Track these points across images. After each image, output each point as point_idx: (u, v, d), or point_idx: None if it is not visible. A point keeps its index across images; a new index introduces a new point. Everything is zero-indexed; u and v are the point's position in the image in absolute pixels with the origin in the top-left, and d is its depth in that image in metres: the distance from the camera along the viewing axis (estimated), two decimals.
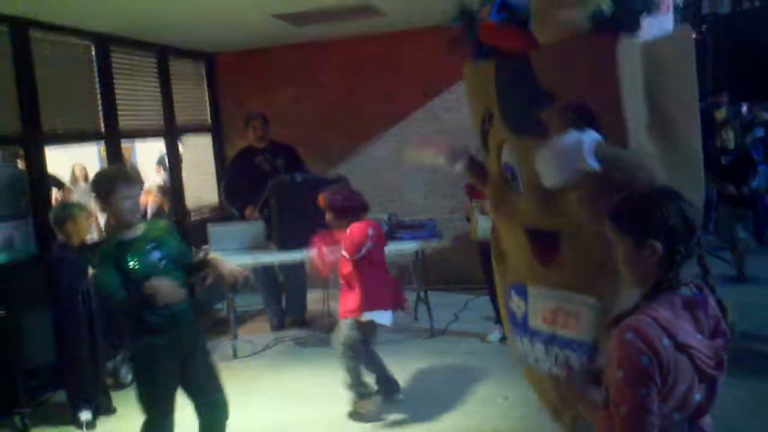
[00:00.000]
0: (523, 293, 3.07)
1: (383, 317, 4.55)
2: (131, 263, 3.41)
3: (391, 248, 6.15)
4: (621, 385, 1.92)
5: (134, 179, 3.47)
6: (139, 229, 3.52)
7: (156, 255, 3.49)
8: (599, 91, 2.60)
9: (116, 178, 3.44)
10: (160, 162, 10.12)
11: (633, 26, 2.53)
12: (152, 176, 10.41)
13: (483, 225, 5.39)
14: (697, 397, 1.96)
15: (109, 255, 3.45)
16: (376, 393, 4.67)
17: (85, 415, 4.77)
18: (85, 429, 4.73)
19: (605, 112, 2.60)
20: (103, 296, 3.45)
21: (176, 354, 3.52)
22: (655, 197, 2.05)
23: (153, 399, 3.54)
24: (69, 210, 4.93)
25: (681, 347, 1.90)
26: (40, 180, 5.91)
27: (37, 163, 5.82)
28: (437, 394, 4.82)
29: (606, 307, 2.80)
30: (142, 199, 8.44)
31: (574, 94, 2.65)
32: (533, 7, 2.68)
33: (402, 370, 5.33)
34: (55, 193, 7.22)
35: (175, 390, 3.59)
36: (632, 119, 2.60)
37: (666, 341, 1.89)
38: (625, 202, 2.08)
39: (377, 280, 4.56)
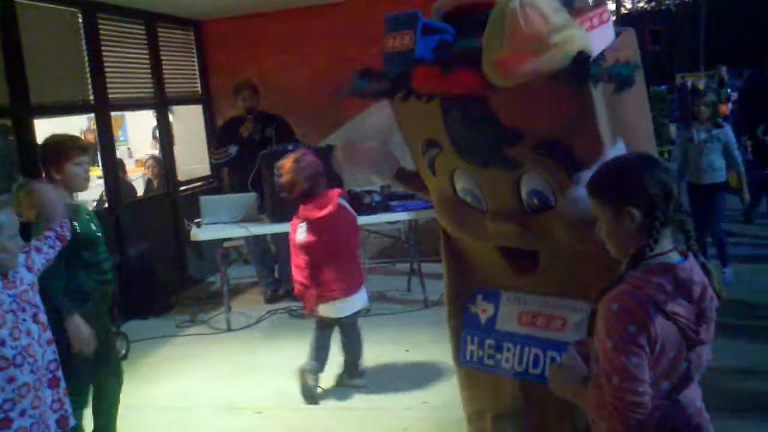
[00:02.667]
0: (493, 298, 3.15)
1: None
2: (83, 226, 3.49)
3: (384, 219, 6.15)
4: (611, 355, 1.92)
5: (87, 147, 3.61)
6: (76, 199, 3.64)
7: (94, 225, 3.60)
8: (575, 126, 2.57)
9: (70, 145, 3.53)
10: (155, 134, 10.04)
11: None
12: (146, 148, 10.34)
13: None
14: (684, 364, 1.97)
15: None
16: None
17: None
18: None
19: (583, 142, 2.57)
20: None
21: (98, 322, 3.55)
22: (633, 164, 2.06)
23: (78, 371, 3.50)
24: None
25: (666, 315, 1.91)
26: (30, 153, 5.83)
27: (26, 136, 5.74)
28: (432, 365, 4.83)
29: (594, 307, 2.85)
30: (134, 169, 8.40)
31: (546, 130, 2.61)
32: (489, 57, 2.47)
33: (396, 341, 5.34)
34: None
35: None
36: (607, 140, 2.59)
37: (652, 309, 1.90)
38: (604, 171, 2.09)
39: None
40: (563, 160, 2.63)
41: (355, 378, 4.67)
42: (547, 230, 2.79)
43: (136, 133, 10.73)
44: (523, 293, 3.08)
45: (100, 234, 3.63)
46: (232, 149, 6.56)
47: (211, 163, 7.98)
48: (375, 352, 5.09)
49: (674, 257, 2.00)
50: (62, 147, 3.52)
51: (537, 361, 3.01)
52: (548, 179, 2.72)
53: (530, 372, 3.01)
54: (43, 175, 3.57)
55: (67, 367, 3.33)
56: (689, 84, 16.49)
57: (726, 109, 11.39)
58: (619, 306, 1.93)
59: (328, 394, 4.58)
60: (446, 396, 4.23)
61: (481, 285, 3.20)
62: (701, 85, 15.74)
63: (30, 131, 5.72)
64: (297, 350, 4.89)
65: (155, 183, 8.01)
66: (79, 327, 3.34)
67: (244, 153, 6.49)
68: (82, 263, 3.48)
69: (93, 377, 3.63)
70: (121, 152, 9.43)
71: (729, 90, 13.66)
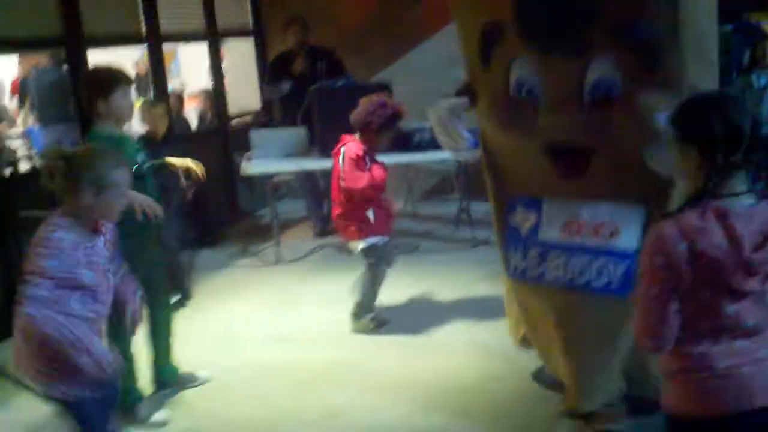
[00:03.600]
0: (534, 207, 3.09)
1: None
2: (131, 156, 3.51)
3: (433, 157, 6.09)
4: (640, 279, 2.02)
5: (130, 78, 3.62)
6: (123, 132, 3.65)
7: (141, 156, 3.63)
8: (661, 9, 2.53)
9: (114, 76, 3.53)
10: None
11: None
12: (198, 82, 10.33)
13: None
14: (730, 309, 1.95)
15: (106, 144, 3.42)
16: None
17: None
18: None
19: (661, 27, 2.53)
20: None
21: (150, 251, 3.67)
22: (704, 103, 2.04)
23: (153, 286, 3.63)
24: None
25: (698, 254, 1.90)
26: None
27: (79, 66, 5.79)
28: (480, 303, 4.83)
29: (651, 212, 2.84)
30: (187, 102, 8.42)
31: (628, 10, 2.54)
32: None
33: (445, 279, 5.34)
34: None
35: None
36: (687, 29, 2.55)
37: (682, 246, 1.91)
38: (679, 105, 2.07)
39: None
40: (640, 46, 2.58)
41: (355, 319, 4.61)
42: (606, 125, 2.73)
43: (189, 67, 10.74)
44: (568, 200, 3.01)
45: (148, 165, 3.66)
46: (285, 86, 6.52)
47: (262, 98, 7.98)
48: (423, 290, 5.11)
49: (744, 200, 1.95)
50: (106, 79, 3.52)
51: (583, 270, 2.97)
52: (619, 67, 2.66)
53: (576, 282, 2.98)
54: (90, 108, 3.54)
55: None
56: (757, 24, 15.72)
57: None
58: (655, 237, 1.97)
59: (377, 329, 4.61)
60: (494, 333, 4.23)
61: (519, 193, 3.17)
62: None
63: (83, 62, 5.76)
64: (345, 284, 4.94)
65: (207, 117, 8.04)
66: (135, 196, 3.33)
67: (296, 88, 6.46)
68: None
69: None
70: (173, 85, 9.49)
71: None
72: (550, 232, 3.05)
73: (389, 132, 4.50)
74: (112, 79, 3.51)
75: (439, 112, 3.33)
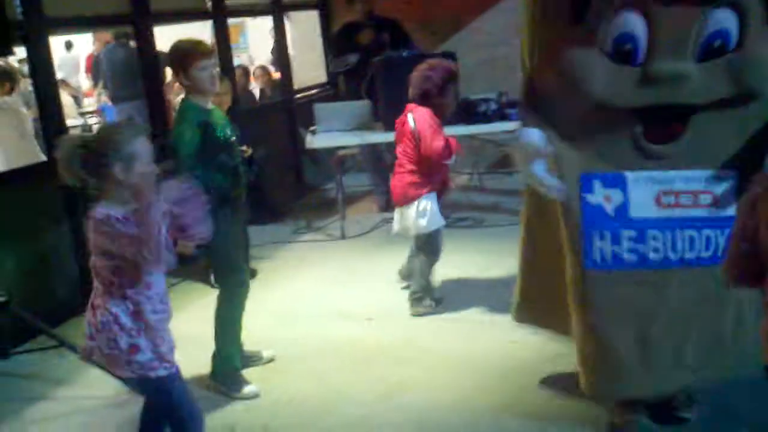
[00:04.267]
0: (617, 182, 2.80)
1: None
2: (219, 129, 3.55)
3: (500, 128, 5.93)
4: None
5: (208, 51, 3.61)
6: (211, 105, 3.64)
7: (229, 132, 3.64)
8: None
9: (192, 50, 3.54)
10: None
11: None
12: (268, 55, 10.36)
13: None
14: None
15: (196, 115, 3.50)
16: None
17: None
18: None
19: None
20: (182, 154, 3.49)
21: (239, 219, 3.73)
22: None
23: (232, 265, 3.67)
24: None
25: None
26: (152, 61, 5.96)
27: (147, 43, 5.84)
28: None
29: (746, 177, 2.63)
30: (254, 77, 8.44)
31: None
32: None
33: (511, 254, 5.19)
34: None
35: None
36: None
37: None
38: None
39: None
40: None
41: (415, 304, 4.49)
42: (714, 82, 2.59)
43: (258, 41, 10.80)
44: (657, 170, 2.77)
45: (235, 138, 3.70)
46: (353, 58, 6.44)
47: (328, 71, 7.94)
48: (487, 265, 5.01)
49: None
50: (183, 53, 3.55)
51: (693, 244, 2.78)
52: (743, 18, 2.54)
53: (686, 258, 2.79)
54: (175, 80, 3.65)
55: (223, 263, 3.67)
56: None
57: None
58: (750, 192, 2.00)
59: (440, 305, 4.54)
60: None
61: (592, 169, 2.83)
62: None
63: (150, 39, 5.81)
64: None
65: (267, 92, 8.05)
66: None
67: (361, 60, 6.38)
68: (219, 166, 3.56)
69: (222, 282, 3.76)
70: (242, 60, 9.55)
71: None
72: (645, 209, 2.79)
73: (449, 95, 4.38)
74: (188, 52, 3.54)
75: (525, 149, 2.90)
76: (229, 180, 3.62)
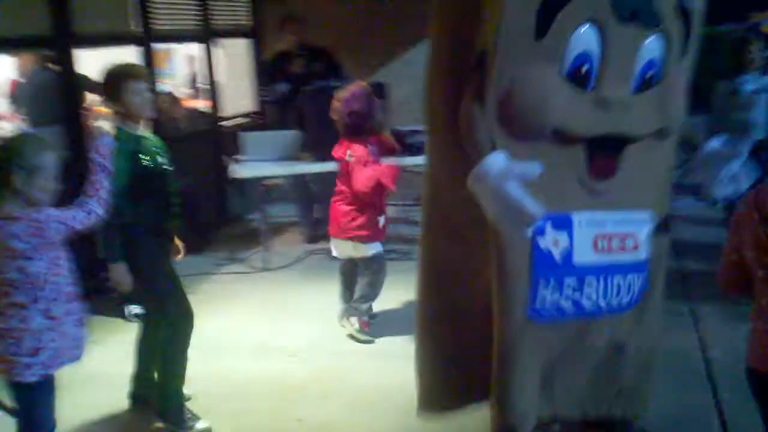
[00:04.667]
0: (565, 224, 2.59)
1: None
2: (151, 159, 3.42)
3: None
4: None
5: (142, 74, 3.50)
6: (144, 131, 3.52)
7: (162, 159, 3.51)
8: None
9: (125, 73, 3.43)
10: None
11: None
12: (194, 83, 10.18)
13: None
14: None
15: (126, 144, 3.34)
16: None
17: (135, 309, 4.78)
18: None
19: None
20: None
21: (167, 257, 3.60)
22: None
23: (165, 299, 3.51)
24: None
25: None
26: (73, 84, 5.76)
27: (68, 66, 5.65)
28: None
29: (658, 219, 2.74)
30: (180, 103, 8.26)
31: None
32: None
33: None
34: (91, 98, 7.08)
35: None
36: None
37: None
38: None
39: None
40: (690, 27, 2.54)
41: (346, 316, 4.56)
42: (643, 113, 2.58)
43: (185, 69, 10.59)
44: (596, 210, 2.64)
45: (168, 168, 3.55)
46: (284, 87, 6.37)
47: (259, 100, 7.84)
48: (412, 298, 4.94)
49: None
50: (116, 76, 3.42)
51: (619, 290, 2.70)
52: (668, 49, 2.53)
53: (612, 305, 2.70)
54: (108, 106, 3.53)
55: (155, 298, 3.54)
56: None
57: None
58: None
59: (368, 332, 4.49)
60: None
61: (546, 209, 2.56)
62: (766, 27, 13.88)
63: (71, 62, 5.63)
64: (334, 292, 4.81)
65: (199, 119, 7.87)
66: (122, 276, 3.35)
67: (292, 89, 6.31)
68: (150, 197, 3.44)
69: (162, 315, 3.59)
70: (167, 86, 9.34)
71: None
72: (585, 254, 2.63)
73: (374, 117, 4.38)
74: (121, 75, 3.42)
75: (492, 173, 2.51)
76: (160, 211, 3.51)
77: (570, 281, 2.62)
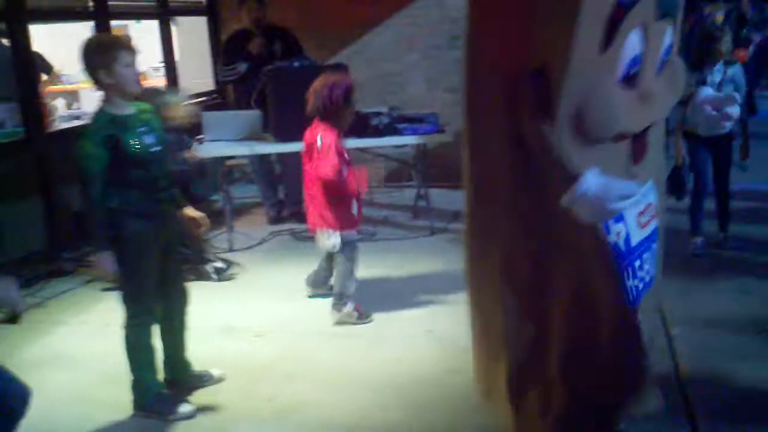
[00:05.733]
0: (619, 215, 2.64)
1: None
2: (132, 143, 3.22)
3: (391, 142, 5.95)
4: None
5: (132, 45, 3.28)
6: (131, 107, 3.32)
7: (149, 139, 3.31)
8: None
9: (117, 44, 3.23)
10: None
11: None
12: (153, 61, 9.99)
13: None
14: None
15: (102, 129, 3.20)
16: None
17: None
18: None
19: None
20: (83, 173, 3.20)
21: (160, 242, 3.40)
22: None
23: (140, 293, 3.40)
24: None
25: None
26: (26, 61, 5.62)
27: (21, 41, 5.51)
28: (436, 293, 4.71)
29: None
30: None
31: None
32: None
33: (401, 267, 5.22)
34: (45, 78, 6.89)
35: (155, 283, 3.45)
36: None
37: None
38: None
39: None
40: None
41: (336, 309, 4.45)
42: (668, 92, 2.69)
43: (143, 47, 10.40)
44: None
45: (156, 148, 3.33)
46: (242, 66, 6.27)
47: (217, 80, 7.74)
48: (378, 279, 4.98)
49: None
50: (108, 48, 3.19)
51: (653, 263, 2.82)
52: (675, 29, 2.65)
53: (652, 276, 2.82)
54: (92, 80, 3.24)
55: (131, 289, 3.35)
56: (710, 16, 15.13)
57: (745, 55, 9.01)
58: None
59: (362, 318, 4.46)
60: (451, 324, 4.13)
61: None
62: (719, 18, 13.93)
63: (25, 37, 5.48)
64: (298, 273, 4.80)
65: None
66: (107, 264, 3.23)
67: (251, 69, 6.23)
68: (133, 182, 3.26)
69: (159, 299, 3.52)
70: None
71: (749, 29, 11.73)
72: (636, 235, 2.72)
73: (351, 110, 4.33)
74: (111, 45, 3.21)
75: (602, 198, 2.56)
76: (148, 196, 3.31)
77: (637, 263, 2.75)
